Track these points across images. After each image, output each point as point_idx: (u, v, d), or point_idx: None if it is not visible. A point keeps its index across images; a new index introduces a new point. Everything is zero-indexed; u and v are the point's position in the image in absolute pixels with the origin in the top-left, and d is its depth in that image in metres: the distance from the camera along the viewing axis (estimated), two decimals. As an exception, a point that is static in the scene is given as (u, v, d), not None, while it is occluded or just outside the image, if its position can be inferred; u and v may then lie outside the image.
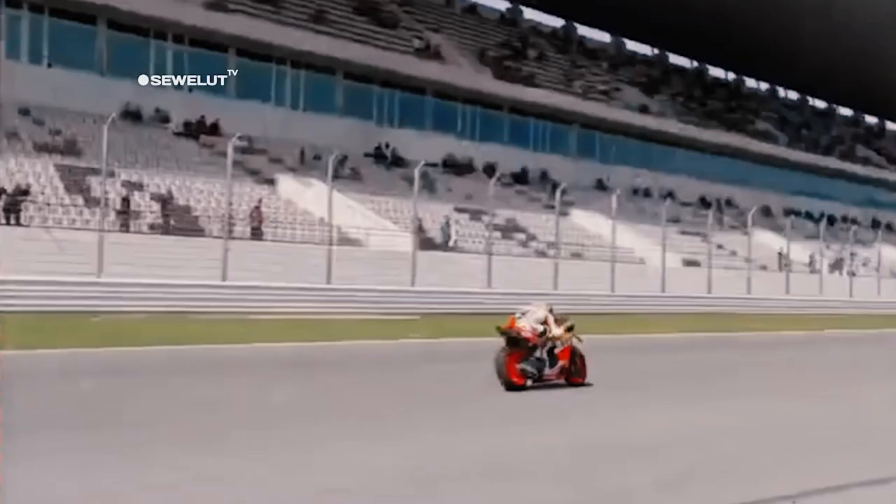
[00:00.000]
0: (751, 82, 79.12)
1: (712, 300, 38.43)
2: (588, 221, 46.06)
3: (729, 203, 60.24)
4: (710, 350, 20.06)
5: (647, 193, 55.59)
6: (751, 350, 21.08)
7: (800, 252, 50.88)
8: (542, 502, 6.01)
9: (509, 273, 33.79)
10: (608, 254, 37.85)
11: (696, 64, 75.05)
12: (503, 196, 42.90)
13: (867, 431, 9.45)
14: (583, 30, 66.98)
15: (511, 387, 10.77)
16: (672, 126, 59.99)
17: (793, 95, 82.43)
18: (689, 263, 44.23)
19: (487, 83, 51.66)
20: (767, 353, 20.54)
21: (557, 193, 37.38)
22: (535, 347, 11.07)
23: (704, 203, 56.10)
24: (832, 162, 71.15)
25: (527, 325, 11.17)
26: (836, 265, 53.72)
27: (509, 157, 50.58)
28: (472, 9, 59.86)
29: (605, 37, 68.66)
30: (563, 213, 41.34)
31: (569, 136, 56.05)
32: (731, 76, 77.85)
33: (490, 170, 45.86)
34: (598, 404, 10.67)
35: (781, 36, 65.17)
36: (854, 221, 64.87)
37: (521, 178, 50.54)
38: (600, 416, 9.92)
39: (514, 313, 11.51)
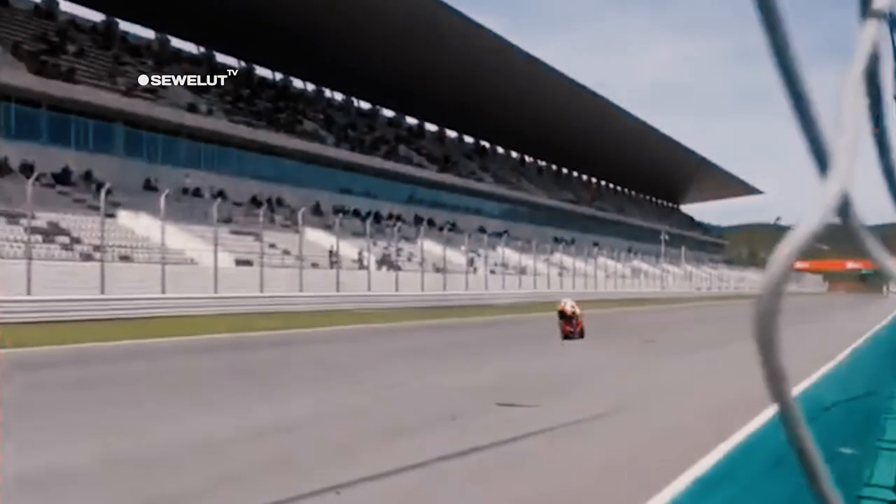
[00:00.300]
0: (298, 83, 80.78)
1: (265, 299, 38.90)
2: (136, 223, 44.57)
3: (280, 202, 61.14)
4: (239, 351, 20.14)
5: (197, 193, 54.84)
6: (303, 346, 21.48)
7: (349, 249, 52.89)
8: None
9: (52, 279, 32.01)
10: (158, 256, 36.95)
11: (243, 63, 75.20)
12: (43, 197, 40.32)
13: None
14: (125, 25, 64.57)
15: (566, 337, 21.67)
16: (222, 125, 59.66)
17: (338, 96, 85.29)
18: (242, 263, 44.37)
19: (22, 78, 48.10)
20: (321, 348, 21.08)
21: (102, 194, 35.86)
22: (571, 318, 21.93)
23: (256, 202, 56.49)
24: (377, 161, 74.32)
25: (568, 307, 22.04)
26: (384, 261, 56.50)
27: (49, 157, 47.47)
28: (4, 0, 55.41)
29: (149, 33, 66.68)
30: (110, 215, 39.84)
31: (114, 135, 53.50)
32: (279, 76, 78.93)
33: (28, 170, 42.87)
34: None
35: (326, 38, 67.41)
36: (399, 218, 68.58)
37: (63, 178, 47.66)
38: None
39: (560, 301, 22.75)
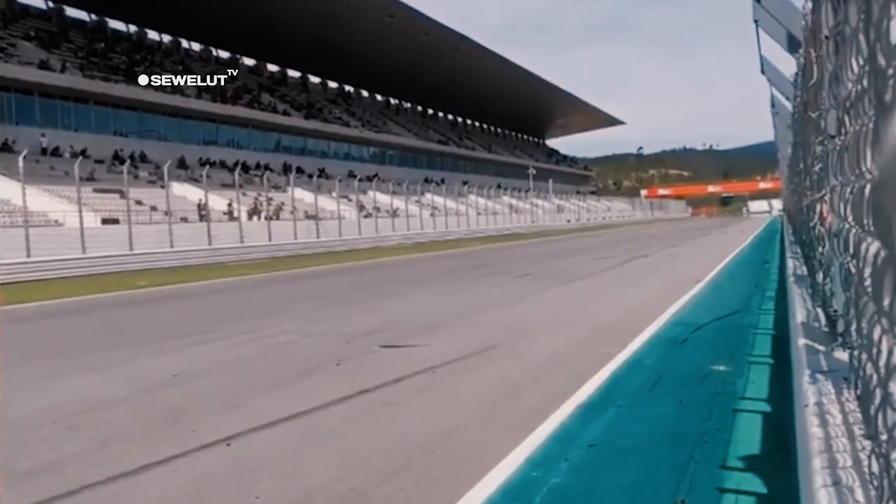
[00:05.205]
0: (154, 35, 78.57)
1: (135, 256, 38.30)
2: (-5, 187, 43.15)
3: (144, 158, 59.75)
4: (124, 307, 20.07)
5: (56, 153, 53.20)
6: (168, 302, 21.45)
7: (218, 201, 52.21)
8: None
9: None
10: (20, 219, 35.98)
11: (95, 17, 72.75)
12: None
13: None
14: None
15: None
16: (78, 82, 57.78)
17: (196, 46, 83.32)
18: (109, 221, 43.43)
19: None
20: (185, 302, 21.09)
21: (-45, 159, 34.62)
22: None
23: (118, 159, 55.11)
24: (240, 111, 73.23)
25: None
26: (254, 211, 55.92)
27: None
28: None
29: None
30: (-34, 180, 38.42)
31: (-37, 97, 51.55)
32: (133, 29, 76.61)
33: None
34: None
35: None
36: (267, 167, 67.87)
37: (-89, 144, 45.78)
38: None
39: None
